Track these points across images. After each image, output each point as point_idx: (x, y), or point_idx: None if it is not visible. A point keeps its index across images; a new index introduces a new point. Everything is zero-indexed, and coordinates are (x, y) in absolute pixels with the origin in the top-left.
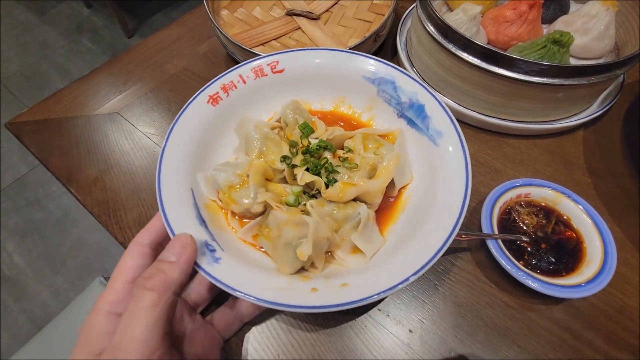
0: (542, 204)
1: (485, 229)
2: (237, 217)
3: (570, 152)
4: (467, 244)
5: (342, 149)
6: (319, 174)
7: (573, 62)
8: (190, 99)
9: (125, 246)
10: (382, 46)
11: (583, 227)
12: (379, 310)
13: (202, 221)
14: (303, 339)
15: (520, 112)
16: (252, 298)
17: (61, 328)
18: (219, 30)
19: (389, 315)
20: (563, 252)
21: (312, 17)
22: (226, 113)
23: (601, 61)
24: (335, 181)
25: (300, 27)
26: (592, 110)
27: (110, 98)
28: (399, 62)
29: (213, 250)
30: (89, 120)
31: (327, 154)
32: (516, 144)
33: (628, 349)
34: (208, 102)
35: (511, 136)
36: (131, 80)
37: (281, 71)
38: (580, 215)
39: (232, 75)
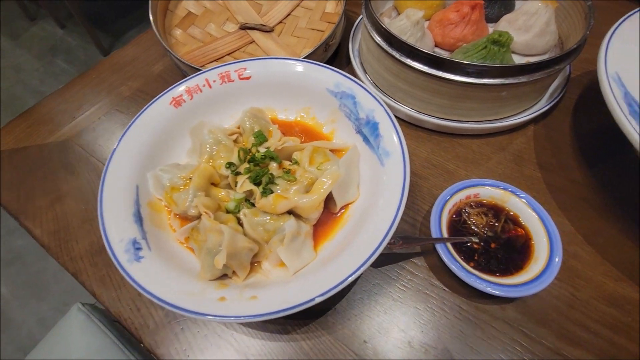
0: (491, 203)
1: (434, 233)
2: (179, 217)
3: (522, 148)
4: (421, 248)
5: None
6: (260, 184)
7: (518, 59)
8: (153, 100)
9: (77, 277)
10: (337, 54)
11: (531, 223)
12: (332, 320)
13: (139, 218)
14: (249, 347)
15: (469, 113)
16: (155, 299)
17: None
18: (168, 50)
19: (343, 326)
20: (512, 250)
21: (265, 30)
22: (188, 116)
23: (538, 59)
24: (271, 192)
25: (254, 41)
26: (541, 105)
27: (64, 125)
28: (352, 70)
29: (139, 249)
30: (41, 150)
31: (273, 165)
32: (468, 143)
33: (579, 343)
34: (170, 103)
35: (463, 136)
36: (85, 105)
37: (248, 78)
38: (527, 212)
39: (198, 79)
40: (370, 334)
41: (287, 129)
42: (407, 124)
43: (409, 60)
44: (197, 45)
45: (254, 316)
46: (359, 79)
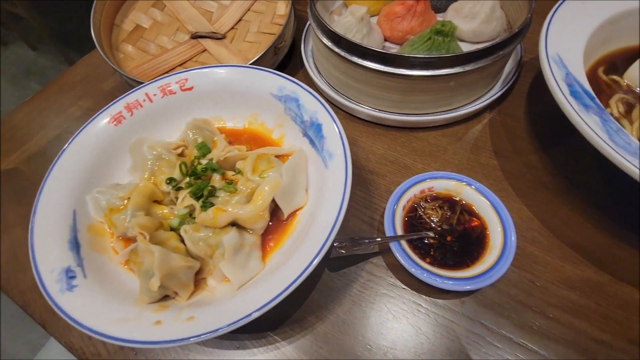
0: (446, 195)
1: (388, 232)
2: (121, 239)
3: (477, 137)
4: (379, 247)
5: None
6: (202, 197)
7: (467, 47)
8: (88, 121)
9: (25, 310)
10: (292, 57)
11: (485, 212)
12: (290, 329)
13: (76, 245)
14: None
15: (422, 105)
16: (83, 329)
17: None
18: (113, 67)
19: (301, 334)
20: (468, 241)
21: (217, 37)
22: (130, 133)
23: (483, 46)
24: (212, 205)
25: (206, 49)
26: (494, 92)
27: (12, 152)
28: (306, 72)
29: (72, 277)
30: None
31: (216, 176)
32: (425, 136)
33: (539, 331)
34: (110, 122)
35: (419, 129)
36: (34, 129)
37: (190, 89)
38: (481, 201)
39: (137, 94)
40: (328, 340)
41: (236, 137)
42: (364, 122)
43: (354, 57)
44: (146, 58)
45: (188, 339)
46: (313, 81)
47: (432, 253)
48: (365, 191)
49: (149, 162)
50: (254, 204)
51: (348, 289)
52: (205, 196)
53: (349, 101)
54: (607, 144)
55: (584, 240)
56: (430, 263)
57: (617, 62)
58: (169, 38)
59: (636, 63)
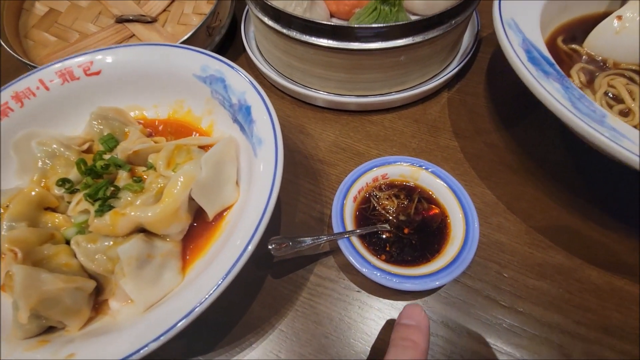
0: (402, 182)
1: (336, 228)
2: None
3: (436, 118)
4: (329, 246)
5: None
6: (105, 200)
7: None
8: None
9: None
10: (233, 41)
11: (444, 199)
12: (227, 352)
13: None
14: None
15: (373, 85)
16: None
17: None
18: (16, 56)
19: (241, 355)
20: (428, 233)
21: (146, 21)
22: (19, 128)
23: (429, 15)
24: (110, 209)
25: (134, 34)
26: (451, 69)
27: None
28: (247, 56)
29: None
30: None
31: (123, 174)
32: (379, 119)
33: (509, 329)
34: None
35: (373, 112)
36: None
37: (97, 73)
38: (440, 187)
39: (28, 81)
40: None
41: (157, 128)
42: (312, 108)
43: (293, 32)
44: (61, 46)
45: None
46: (255, 65)
47: (388, 249)
48: (314, 183)
49: (39, 161)
50: (163, 204)
51: (294, 297)
52: (102, 198)
53: (295, 85)
54: (571, 112)
55: (553, 223)
56: (387, 260)
57: (576, 32)
58: (90, 23)
59: (596, 30)
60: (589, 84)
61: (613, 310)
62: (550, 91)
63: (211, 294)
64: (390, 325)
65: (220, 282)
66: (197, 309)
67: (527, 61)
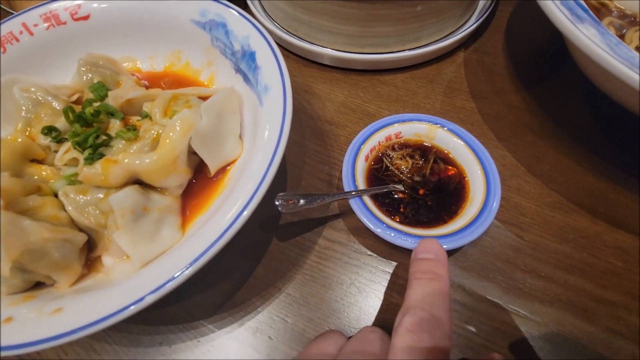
0: (417, 142)
1: (347, 187)
2: None
3: (451, 78)
4: (340, 208)
5: None
6: (95, 147)
7: None
8: None
9: None
10: None
11: (462, 159)
12: (229, 315)
13: None
14: None
15: (386, 41)
16: None
17: None
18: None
19: (241, 322)
20: (445, 194)
21: None
22: (2, 74)
23: None
24: (101, 157)
25: None
26: (469, 25)
27: None
28: (250, 11)
29: None
30: None
31: (116, 123)
32: (391, 79)
33: (530, 293)
34: None
35: (384, 72)
36: None
37: (86, 17)
38: (457, 145)
39: (11, 25)
40: (276, 325)
41: (153, 82)
42: (319, 67)
43: None
44: None
45: (38, 342)
46: (257, 19)
47: (402, 210)
48: (321, 144)
49: (23, 109)
50: (160, 151)
51: (301, 261)
52: (92, 145)
53: (302, 41)
54: (611, 56)
55: (576, 186)
56: (400, 221)
57: None
58: None
59: None
60: (619, 38)
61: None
62: (587, 34)
63: (212, 247)
64: (402, 289)
65: (220, 236)
66: (196, 263)
67: (560, 4)
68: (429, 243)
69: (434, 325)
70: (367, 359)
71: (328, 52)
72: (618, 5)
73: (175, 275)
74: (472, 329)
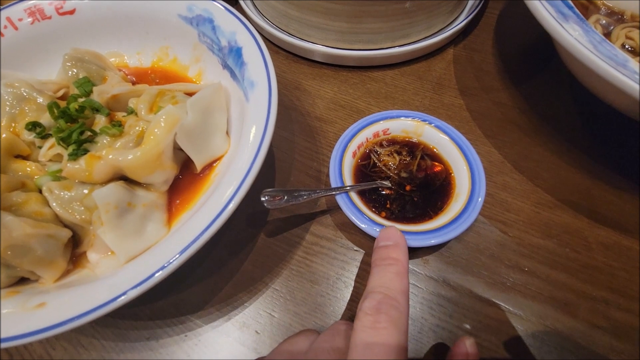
0: (405, 138)
1: (334, 182)
2: None
3: (440, 75)
4: (327, 205)
5: None
6: (80, 143)
7: None
8: None
9: None
10: None
11: (449, 155)
12: (215, 311)
13: None
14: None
15: (375, 37)
16: None
17: None
18: None
19: (228, 316)
20: (431, 190)
21: None
22: None
23: None
24: (86, 153)
25: None
26: (459, 22)
27: None
28: (241, 8)
29: None
30: None
31: (101, 119)
32: (380, 76)
33: (513, 287)
34: None
35: (374, 68)
36: None
37: (71, 12)
38: (444, 142)
39: None
40: (262, 320)
41: (141, 78)
42: (309, 63)
43: None
44: None
45: (26, 335)
46: (249, 17)
47: (388, 206)
48: (310, 141)
49: (7, 105)
50: (144, 146)
51: (289, 256)
52: (76, 141)
53: (292, 37)
54: (593, 54)
55: (561, 183)
56: (387, 217)
57: None
58: None
59: None
60: (606, 36)
61: (620, 269)
62: (571, 33)
63: (195, 241)
64: None
65: (204, 231)
66: (180, 257)
67: (545, 2)
68: (389, 231)
69: (390, 306)
70: (332, 357)
71: (318, 48)
72: (606, 3)
73: (159, 269)
74: (456, 322)
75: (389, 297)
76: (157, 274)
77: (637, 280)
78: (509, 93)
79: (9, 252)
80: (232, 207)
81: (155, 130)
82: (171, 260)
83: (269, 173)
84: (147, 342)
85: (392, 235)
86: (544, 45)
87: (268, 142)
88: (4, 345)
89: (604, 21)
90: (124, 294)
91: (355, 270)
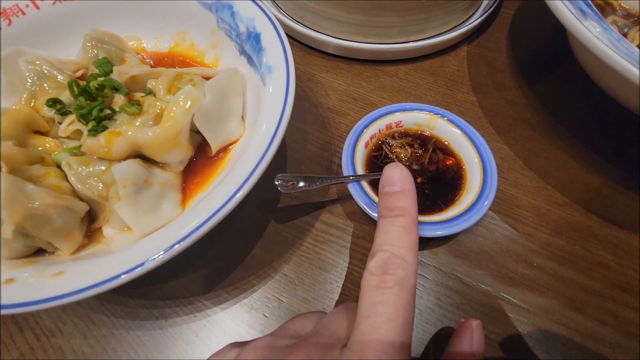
0: (417, 131)
1: (346, 172)
2: None
3: (453, 71)
4: (337, 194)
5: None
6: (99, 120)
7: None
8: None
9: None
10: None
11: (461, 148)
12: (225, 293)
13: None
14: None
15: (390, 31)
16: None
17: None
18: None
19: (237, 299)
20: (442, 183)
21: None
22: (4, 47)
23: None
24: (105, 129)
25: None
26: (473, 20)
27: None
28: None
29: None
30: None
31: (120, 98)
32: (394, 70)
33: (521, 282)
34: None
35: (387, 63)
36: None
37: None
38: (457, 136)
39: None
40: (271, 304)
41: (158, 62)
42: (324, 56)
43: None
44: None
45: (44, 301)
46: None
47: None
48: (323, 131)
49: (28, 81)
50: (163, 124)
51: (298, 243)
52: (96, 118)
53: (307, 29)
54: (612, 50)
55: (571, 181)
56: None
57: None
58: None
59: None
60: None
61: (629, 268)
62: (591, 30)
63: (211, 218)
64: None
65: (217, 211)
66: (197, 232)
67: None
68: (394, 172)
69: (397, 265)
70: (339, 334)
71: (333, 40)
72: (623, 5)
73: (177, 242)
74: (463, 314)
75: (395, 255)
76: (175, 246)
77: None
78: (521, 91)
79: (29, 221)
80: (246, 188)
81: (175, 108)
82: (189, 234)
83: (281, 161)
84: (157, 320)
85: (398, 177)
86: (557, 45)
87: (285, 124)
88: (23, 310)
89: (620, 23)
90: (141, 264)
91: (364, 259)
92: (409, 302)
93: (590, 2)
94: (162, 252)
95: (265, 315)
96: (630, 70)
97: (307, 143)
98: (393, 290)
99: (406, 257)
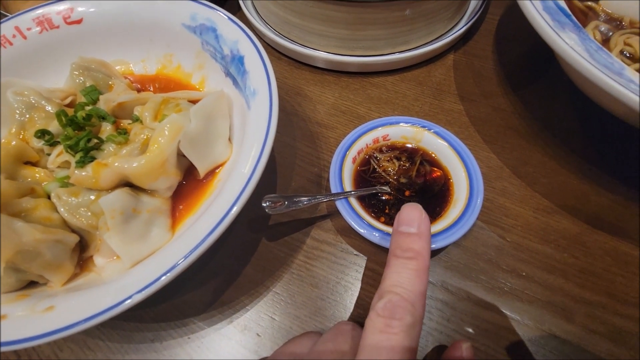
0: (404, 144)
1: (334, 188)
2: None
3: (440, 80)
4: (327, 210)
5: None
6: (87, 151)
7: None
8: None
9: None
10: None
11: (448, 160)
12: (217, 314)
13: None
14: None
15: (376, 43)
16: None
17: None
18: None
19: (230, 319)
20: (430, 195)
21: None
22: None
23: None
24: (92, 160)
25: None
26: (459, 28)
27: None
28: (243, 15)
29: None
30: None
31: (107, 127)
32: (381, 82)
33: (510, 292)
34: None
35: (375, 74)
36: None
37: (79, 21)
38: (443, 148)
39: (4, 28)
40: (263, 322)
41: (146, 85)
42: (311, 69)
43: None
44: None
45: (35, 338)
46: (252, 24)
47: (387, 211)
48: (311, 146)
49: (17, 112)
50: (149, 154)
51: (290, 260)
52: (83, 149)
53: (294, 44)
54: (589, 62)
55: (559, 188)
56: (386, 222)
57: None
58: None
59: None
60: (605, 42)
61: (617, 274)
62: (567, 41)
63: (198, 246)
64: None
65: (207, 236)
66: (184, 262)
67: (542, 10)
68: (412, 213)
69: (405, 310)
70: (335, 358)
71: (320, 54)
72: (605, 9)
73: (164, 273)
74: (454, 326)
75: (405, 300)
76: (162, 278)
77: (636, 286)
78: (508, 99)
79: (19, 257)
80: (234, 212)
81: (160, 138)
82: (176, 265)
83: (270, 178)
84: (152, 343)
85: (416, 218)
86: (544, 51)
87: (269, 150)
88: (15, 347)
89: (603, 27)
90: (129, 297)
91: (355, 275)
92: (412, 352)
93: (568, 10)
94: (150, 284)
95: (258, 335)
96: (608, 82)
97: (296, 159)
98: (398, 337)
99: (416, 303)
